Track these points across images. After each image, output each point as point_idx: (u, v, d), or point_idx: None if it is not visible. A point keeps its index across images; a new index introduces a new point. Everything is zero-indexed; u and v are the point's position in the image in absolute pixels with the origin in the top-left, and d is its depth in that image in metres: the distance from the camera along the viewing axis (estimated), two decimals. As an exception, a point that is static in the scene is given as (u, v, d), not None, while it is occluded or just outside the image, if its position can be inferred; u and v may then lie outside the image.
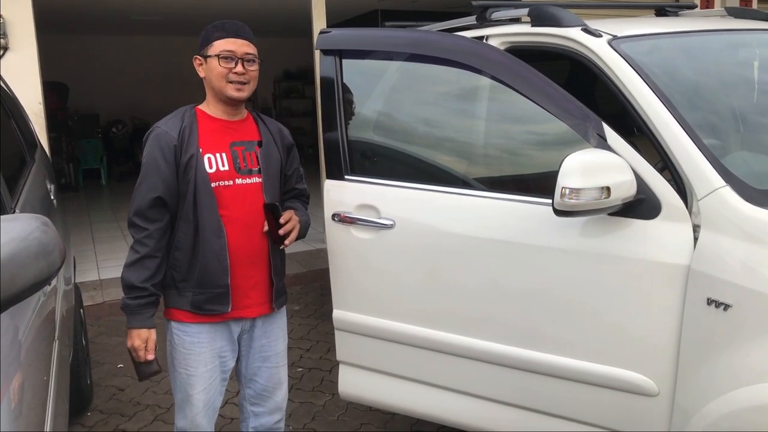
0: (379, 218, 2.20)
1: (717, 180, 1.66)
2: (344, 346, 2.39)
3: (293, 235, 1.98)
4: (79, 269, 4.51)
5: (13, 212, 1.96)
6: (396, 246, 2.18)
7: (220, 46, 1.91)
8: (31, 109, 4.34)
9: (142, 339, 1.95)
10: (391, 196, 2.20)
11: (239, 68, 1.91)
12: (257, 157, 2.01)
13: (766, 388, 1.48)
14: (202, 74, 1.97)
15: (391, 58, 2.32)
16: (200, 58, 1.96)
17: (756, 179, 1.71)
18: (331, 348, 3.73)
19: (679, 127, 1.75)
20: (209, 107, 2.00)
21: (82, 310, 3.38)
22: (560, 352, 1.91)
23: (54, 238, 1.10)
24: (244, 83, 1.93)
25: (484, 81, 2.10)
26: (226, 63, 1.90)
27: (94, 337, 4.07)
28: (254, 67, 1.95)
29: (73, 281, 3.15)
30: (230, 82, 1.91)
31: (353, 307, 2.32)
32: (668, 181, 1.76)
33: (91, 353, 3.68)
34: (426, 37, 2.21)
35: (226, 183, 1.94)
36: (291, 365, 3.40)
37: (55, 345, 1.96)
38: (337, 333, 2.39)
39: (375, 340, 2.28)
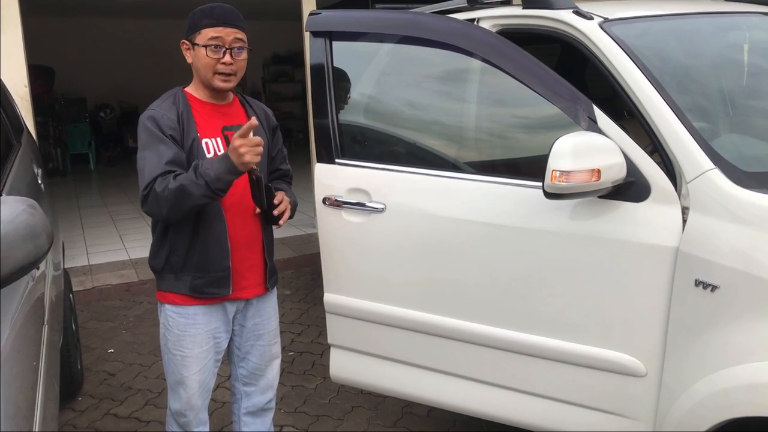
0: (370, 202, 2.20)
1: (706, 162, 1.67)
2: (335, 329, 2.40)
3: (286, 214, 1.99)
4: (68, 255, 4.50)
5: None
6: (387, 230, 2.18)
7: (208, 34, 1.86)
8: (16, 93, 4.28)
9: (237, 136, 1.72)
10: (382, 180, 2.20)
11: (227, 58, 1.86)
12: None
13: (752, 367, 1.50)
14: (189, 60, 1.93)
15: (381, 41, 2.31)
16: (188, 42, 1.92)
17: (744, 162, 1.72)
18: (322, 332, 3.74)
19: (669, 110, 1.75)
20: (197, 91, 1.97)
21: (71, 296, 3.36)
22: (550, 334, 1.93)
23: (41, 220, 1.08)
24: (231, 74, 1.89)
25: (475, 63, 2.09)
26: (214, 53, 1.86)
27: (84, 323, 4.06)
28: (243, 56, 1.91)
29: (62, 266, 3.13)
30: (217, 74, 1.88)
31: (344, 290, 2.32)
32: (658, 163, 1.77)
33: (82, 338, 3.68)
34: (417, 19, 2.20)
35: None
36: (282, 349, 3.40)
37: (45, 330, 1.95)
38: (328, 316, 2.40)
39: (366, 324, 2.29)
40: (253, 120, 1.74)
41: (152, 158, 1.81)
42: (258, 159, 1.75)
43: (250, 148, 1.72)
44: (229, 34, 1.87)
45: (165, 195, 1.76)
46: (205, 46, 1.86)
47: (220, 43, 1.86)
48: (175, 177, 1.78)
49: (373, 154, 2.32)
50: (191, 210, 1.82)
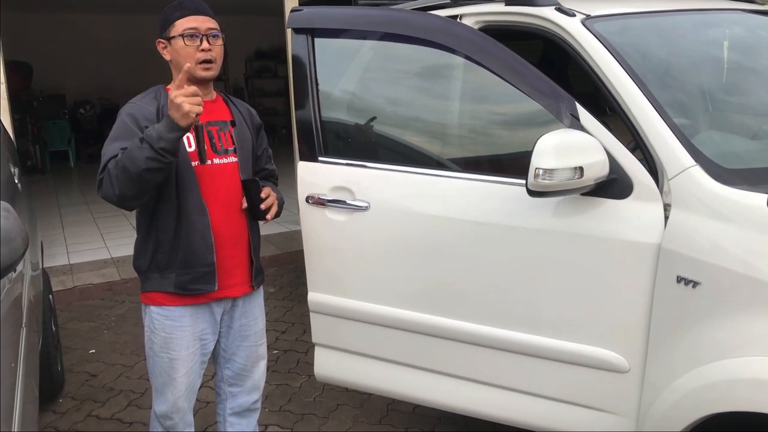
0: (354, 200, 2.18)
1: (687, 159, 1.68)
2: (319, 328, 2.38)
3: (274, 209, 1.98)
4: (47, 254, 4.43)
5: (-25, 197, 1.90)
6: (371, 228, 2.17)
7: (183, 24, 1.86)
8: (-7, 90, 4.20)
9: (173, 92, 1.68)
10: (366, 177, 2.19)
11: (205, 44, 1.87)
12: (232, 137, 1.98)
13: (734, 363, 1.52)
14: (167, 57, 1.92)
15: (364, 37, 2.29)
16: (163, 41, 1.91)
17: (725, 158, 1.74)
18: (307, 330, 3.72)
19: (651, 107, 1.76)
20: None
21: (51, 296, 3.31)
22: (534, 330, 1.93)
23: (16, 224, 1.06)
24: (211, 61, 1.89)
25: (458, 60, 2.09)
26: (191, 41, 1.86)
27: (65, 323, 4.00)
28: (219, 42, 1.92)
29: (40, 266, 3.09)
30: (198, 63, 1.87)
31: (328, 289, 2.31)
32: (640, 160, 1.77)
33: (62, 339, 3.62)
34: (398, 15, 2.19)
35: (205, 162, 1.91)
36: (267, 347, 3.38)
37: (23, 332, 1.92)
38: (312, 315, 2.39)
39: (350, 322, 2.28)
40: (188, 66, 1.74)
41: (113, 147, 1.79)
42: (199, 109, 1.69)
43: (186, 97, 1.66)
44: (203, 22, 1.88)
45: (115, 173, 1.72)
46: (182, 36, 1.86)
47: (196, 32, 1.86)
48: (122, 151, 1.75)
49: (357, 152, 2.31)
50: (142, 181, 1.72)
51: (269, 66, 12.30)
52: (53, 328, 3.11)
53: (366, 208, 2.16)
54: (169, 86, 1.96)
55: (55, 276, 4.63)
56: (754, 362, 1.48)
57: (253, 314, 2.12)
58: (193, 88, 1.69)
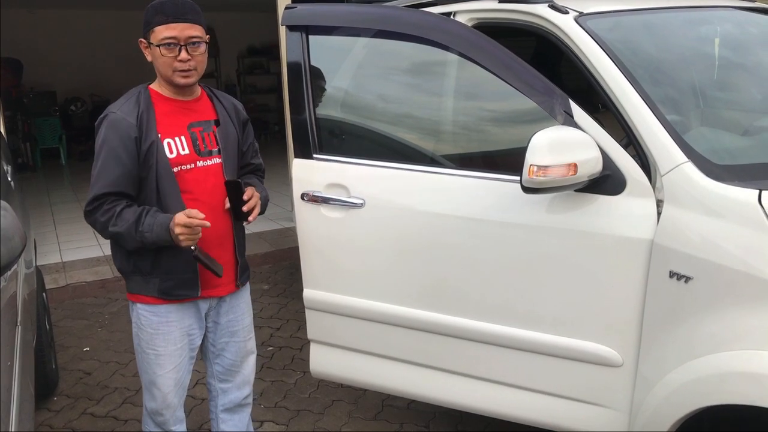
0: (349, 197, 2.19)
1: (679, 156, 1.70)
2: (315, 324, 2.39)
3: (256, 210, 1.97)
4: (40, 252, 4.40)
5: (-31, 195, 1.89)
6: (366, 225, 2.17)
7: (161, 32, 1.79)
8: (-17, 87, 4.17)
9: (181, 222, 1.78)
10: (361, 174, 2.20)
11: (183, 55, 1.81)
12: (216, 137, 1.96)
13: (725, 356, 1.54)
14: (149, 58, 1.88)
15: (358, 34, 2.30)
16: (145, 41, 1.86)
17: (716, 155, 1.76)
18: (301, 326, 3.73)
19: (644, 103, 1.78)
20: (161, 88, 1.92)
21: (44, 294, 3.30)
22: (528, 326, 1.95)
23: (14, 223, 1.06)
24: (190, 69, 1.84)
25: (452, 57, 2.10)
26: (169, 51, 1.80)
27: (58, 321, 3.99)
28: (200, 50, 1.85)
29: (34, 264, 3.08)
30: (176, 71, 1.83)
31: (324, 286, 2.31)
32: (633, 157, 1.79)
33: (56, 337, 3.62)
34: (392, 12, 2.19)
35: (188, 167, 1.89)
36: (261, 344, 3.39)
37: (18, 330, 1.92)
38: (307, 312, 2.39)
39: (346, 318, 2.29)
40: (205, 222, 1.78)
41: (104, 172, 1.82)
42: (195, 237, 1.79)
43: (188, 235, 1.78)
44: (182, 30, 1.80)
45: (107, 232, 1.84)
46: (159, 46, 1.81)
47: (174, 41, 1.80)
48: (119, 213, 1.81)
49: (352, 149, 2.32)
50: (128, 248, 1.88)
51: (261, 62, 12.23)
52: (47, 326, 3.10)
53: (361, 205, 2.17)
54: (151, 86, 1.93)
55: (48, 274, 4.62)
56: (745, 356, 1.50)
57: (240, 309, 2.12)
58: (198, 221, 1.77)
